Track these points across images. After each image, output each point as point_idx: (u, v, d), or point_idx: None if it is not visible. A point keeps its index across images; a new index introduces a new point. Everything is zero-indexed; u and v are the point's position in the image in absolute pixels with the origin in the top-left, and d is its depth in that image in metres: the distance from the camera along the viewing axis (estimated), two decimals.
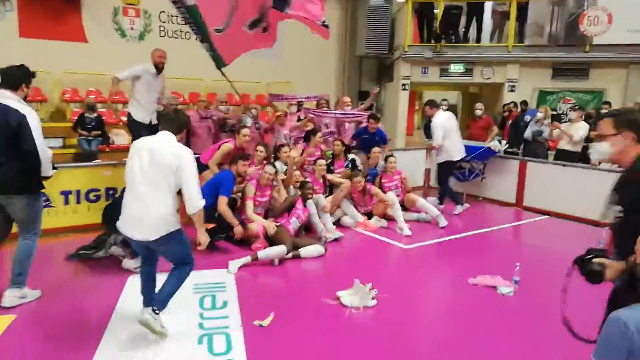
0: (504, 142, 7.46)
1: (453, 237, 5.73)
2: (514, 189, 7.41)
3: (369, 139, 6.98)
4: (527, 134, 7.90)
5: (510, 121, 8.58)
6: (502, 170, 7.52)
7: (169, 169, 2.91)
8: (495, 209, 7.44)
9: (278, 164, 5.91)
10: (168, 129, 3.09)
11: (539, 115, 7.91)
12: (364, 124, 7.13)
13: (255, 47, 6.31)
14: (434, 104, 6.72)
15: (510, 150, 8.03)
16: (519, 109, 8.70)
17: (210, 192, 4.59)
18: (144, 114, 5.32)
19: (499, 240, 5.93)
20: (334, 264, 4.77)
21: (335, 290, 3.84)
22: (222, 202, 4.75)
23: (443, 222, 6.08)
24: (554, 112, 10.22)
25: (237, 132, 5.80)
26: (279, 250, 4.54)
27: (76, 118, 8.05)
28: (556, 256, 5.11)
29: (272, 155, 6.20)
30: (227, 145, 5.62)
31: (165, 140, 3.04)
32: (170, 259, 3.15)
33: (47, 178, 3.50)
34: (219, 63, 6.06)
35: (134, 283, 3.96)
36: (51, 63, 8.63)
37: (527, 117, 8.24)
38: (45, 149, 3.37)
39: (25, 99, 3.40)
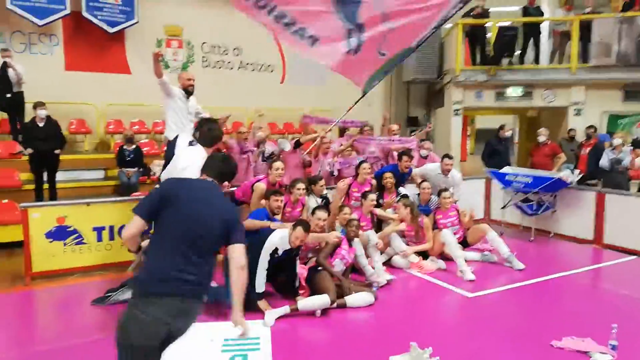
0: (577, 171, 6.56)
1: (524, 282, 4.91)
2: (591, 224, 6.45)
3: (397, 181, 6.04)
4: (604, 162, 6.97)
5: (588, 149, 7.61)
6: (576, 203, 6.60)
7: None
8: (571, 247, 6.49)
9: (312, 198, 5.36)
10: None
11: (616, 141, 6.99)
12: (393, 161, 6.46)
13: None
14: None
15: (592, 182, 7.08)
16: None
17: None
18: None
19: (580, 287, 4.99)
20: (385, 316, 4.09)
21: (387, 352, 3.22)
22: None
23: (518, 264, 5.29)
24: (635, 138, 9.12)
25: (270, 166, 5.31)
26: (322, 300, 3.93)
27: (117, 152, 7.90)
28: None
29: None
30: (260, 186, 5.08)
31: None
32: None
33: None
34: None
35: None
36: (96, 95, 8.67)
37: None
38: None
39: None
